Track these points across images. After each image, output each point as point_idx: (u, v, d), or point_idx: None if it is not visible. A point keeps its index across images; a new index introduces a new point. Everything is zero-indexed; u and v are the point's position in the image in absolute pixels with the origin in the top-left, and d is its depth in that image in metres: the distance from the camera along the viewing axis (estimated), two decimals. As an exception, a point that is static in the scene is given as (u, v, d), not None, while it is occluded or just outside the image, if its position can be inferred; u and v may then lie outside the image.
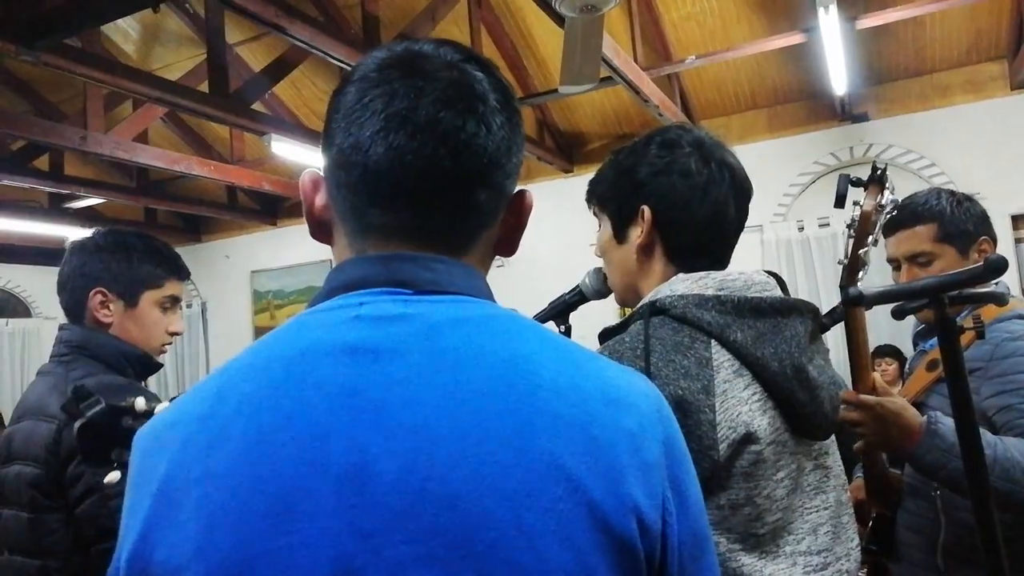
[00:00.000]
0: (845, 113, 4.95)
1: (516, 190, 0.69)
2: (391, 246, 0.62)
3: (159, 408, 1.08)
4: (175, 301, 1.61)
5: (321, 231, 0.68)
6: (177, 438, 0.56)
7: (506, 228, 0.69)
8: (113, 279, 1.51)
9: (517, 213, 0.69)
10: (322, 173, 0.67)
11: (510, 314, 0.62)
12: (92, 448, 1.01)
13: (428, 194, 0.61)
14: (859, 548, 1.03)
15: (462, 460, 0.51)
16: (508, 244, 0.70)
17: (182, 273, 1.63)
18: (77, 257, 1.52)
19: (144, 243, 1.57)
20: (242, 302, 7.24)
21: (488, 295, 0.64)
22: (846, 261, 1.39)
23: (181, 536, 0.51)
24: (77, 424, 1.00)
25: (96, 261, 1.51)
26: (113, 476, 0.99)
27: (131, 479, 0.57)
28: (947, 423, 1.26)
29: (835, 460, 1.06)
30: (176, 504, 0.53)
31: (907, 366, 1.74)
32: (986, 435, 1.22)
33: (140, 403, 1.04)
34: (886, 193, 1.34)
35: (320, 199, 0.66)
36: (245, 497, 0.51)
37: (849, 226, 1.37)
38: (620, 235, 1.08)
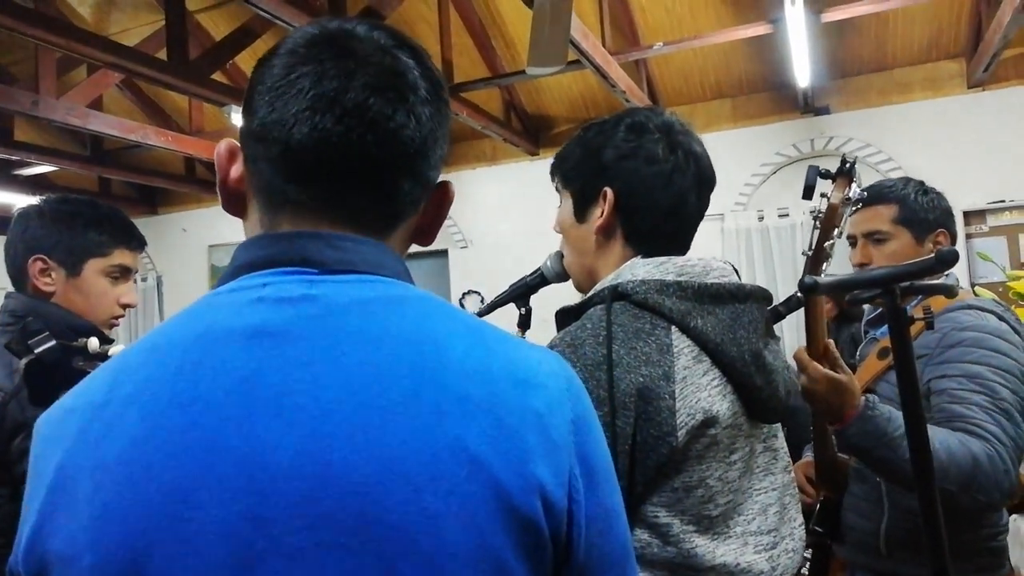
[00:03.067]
0: (807, 105, 5.02)
1: (439, 180, 0.68)
2: (304, 224, 0.61)
3: (113, 350, 1.04)
4: (125, 271, 1.55)
5: (234, 204, 0.65)
6: (74, 425, 0.54)
7: (426, 218, 0.68)
8: (53, 246, 1.46)
9: (439, 204, 0.69)
10: (239, 143, 0.65)
11: (421, 294, 0.61)
12: (40, 388, 0.97)
13: (351, 178, 0.60)
14: (803, 527, 1.06)
15: (364, 444, 0.51)
16: (428, 233, 0.70)
17: (133, 242, 1.56)
18: (19, 224, 1.48)
19: (92, 210, 1.52)
20: (199, 277, 7.10)
21: (402, 274, 0.63)
22: (810, 253, 1.40)
23: (74, 526, 0.50)
24: (24, 360, 0.95)
25: (38, 228, 1.46)
26: None
27: (31, 466, 0.56)
28: (882, 411, 1.29)
29: (781, 442, 1.09)
30: (70, 494, 0.52)
31: (858, 353, 1.79)
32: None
33: (93, 343, 0.99)
34: (853, 186, 1.36)
35: (236, 170, 0.64)
36: (138, 486, 0.50)
37: (816, 218, 1.39)
38: (580, 214, 1.07)
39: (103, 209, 1.54)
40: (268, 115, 0.60)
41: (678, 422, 0.89)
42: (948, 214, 1.60)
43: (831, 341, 1.36)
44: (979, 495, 1.27)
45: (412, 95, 0.61)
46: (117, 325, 1.58)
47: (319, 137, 0.58)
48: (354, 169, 0.60)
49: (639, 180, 1.01)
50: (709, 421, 0.91)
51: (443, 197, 0.69)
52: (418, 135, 0.62)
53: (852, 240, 1.65)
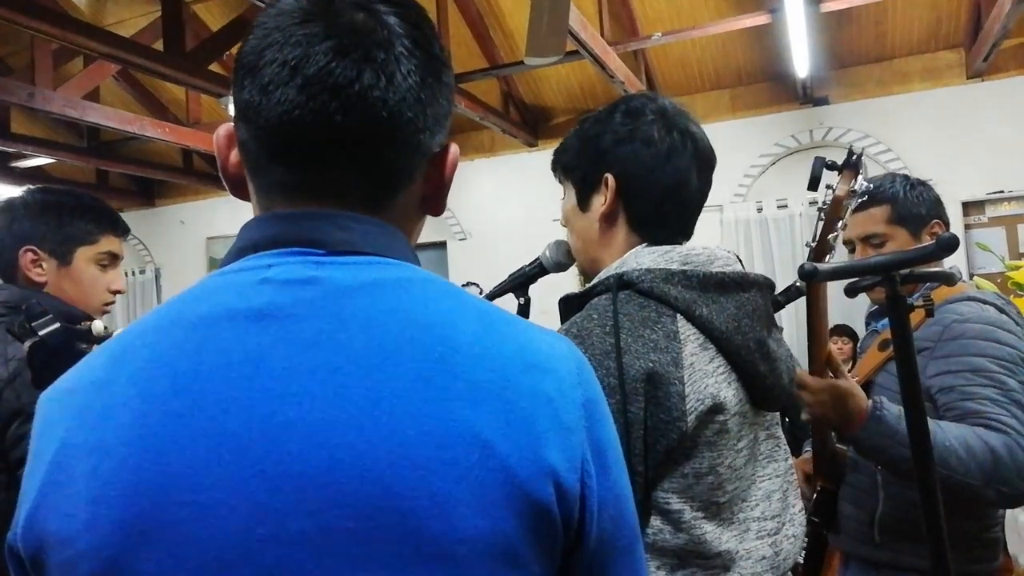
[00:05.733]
0: (806, 96, 5.01)
1: (441, 144, 0.64)
2: (296, 204, 0.59)
3: (117, 333, 1.04)
4: (113, 258, 1.57)
5: (238, 188, 0.64)
6: (74, 405, 0.53)
7: (431, 185, 0.65)
8: (43, 237, 1.47)
9: (440, 169, 0.65)
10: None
11: (428, 277, 0.59)
12: (44, 371, 0.96)
13: (324, 152, 0.57)
14: (803, 513, 1.07)
15: (372, 429, 0.49)
16: (435, 202, 0.66)
17: (119, 229, 1.58)
18: (5, 216, 1.48)
19: (75, 199, 1.53)
20: (197, 269, 7.09)
21: (409, 257, 0.61)
22: (814, 244, 1.40)
23: (73, 507, 0.50)
24: (28, 343, 0.94)
25: (25, 219, 1.48)
26: None
27: (32, 445, 0.55)
28: (892, 410, 1.29)
29: (780, 430, 1.10)
30: (69, 474, 0.51)
31: (859, 345, 1.79)
32: (928, 420, 1.26)
33: (97, 326, 0.99)
34: (859, 179, 1.35)
35: (235, 155, 0.63)
36: (137, 468, 0.49)
37: (820, 209, 1.38)
38: (584, 203, 1.08)
39: (85, 198, 1.56)
40: (241, 94, 0.58)
41: (687, 407, 0.89)
42: (938, 203, 1.60)
43: (832, 348, 1.36)
44: (1003, 487, 1.26)
45: (383, 53, 0.57)
46: (108, 312, 1.59)
47: (283, 111, 0.55)
48: (324, 143, 0.56)
49: (638, 162, 1.02)
50: (717, 407, 0.92)
51: (443, 161, 0.65)
52: (391, 96, 0.57)
53: (850, 245, 1.64)
